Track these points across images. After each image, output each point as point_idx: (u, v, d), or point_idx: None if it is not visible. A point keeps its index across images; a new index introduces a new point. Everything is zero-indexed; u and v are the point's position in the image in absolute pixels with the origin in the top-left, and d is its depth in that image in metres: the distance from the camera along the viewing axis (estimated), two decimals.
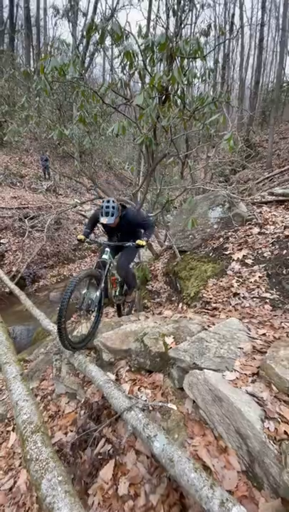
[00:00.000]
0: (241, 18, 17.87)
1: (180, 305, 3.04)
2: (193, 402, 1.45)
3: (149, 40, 3.00)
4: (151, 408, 1.56)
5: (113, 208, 2.42)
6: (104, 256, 2.54)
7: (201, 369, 1.47)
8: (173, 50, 2.86)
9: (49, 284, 7.34)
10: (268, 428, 1.07)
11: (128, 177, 16.54)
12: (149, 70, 3.68)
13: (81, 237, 2.63)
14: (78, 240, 2.63)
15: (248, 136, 16.92)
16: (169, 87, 3.12)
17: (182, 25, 3.82)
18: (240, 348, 1.63)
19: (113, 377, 1.90)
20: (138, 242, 2.49)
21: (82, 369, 1.97)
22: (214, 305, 2.48)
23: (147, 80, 3.24)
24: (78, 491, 1.48)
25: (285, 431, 1.04)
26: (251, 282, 2.55)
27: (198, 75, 3.41)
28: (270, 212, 3.52)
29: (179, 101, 3.27)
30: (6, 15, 17.18)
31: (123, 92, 3.36)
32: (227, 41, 18.09)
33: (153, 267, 4.48)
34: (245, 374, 1.42)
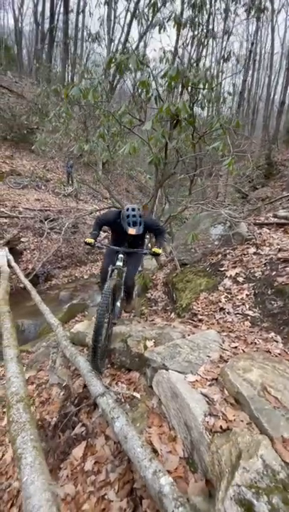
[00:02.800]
0: (272, 43, 18.07)
1: (172, 314, 3.23)
2: (159, 399, 1.65)
3: (166, 69, 3.29)
4: (123, 400, 1.78)
5: (140, 216, 2.26)
6: (119, 263, 2.36)
7: (168, 370, 1.67)
8: (184, 81, 3.16)
9: (60, 284, 7.74)
10: (208, 422, 1.25)
11: (149, 187, 17.03)
12: (166, 95, 4.01)
13: (90, 240, 2.38)
14: (87, 243, 2.37)
15: (270, 154, 16.86)
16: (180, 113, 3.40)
17: (199, 57, 4.12)
18: (208, 356, 1.81)
19: None
20: (155, 250, 2.35)
21: (73, 359, 2.22)
22: (200, 317, 2.65)
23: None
24: (52, 464, 1.71)
25: (220, 426, 1.22)
26: (238, 299, 2.71)
27: (212, 100, 3.64)
28: (269, 234, 3.65)
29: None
30: (46, 26, 18.65)
31: (138, 115, 3.70)
32: (252, 63, 18.36)
33: (155, 276, 4.70)
34: (206, 378, 1.60)
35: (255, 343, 2.03)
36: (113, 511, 1.28)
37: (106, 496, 1.36)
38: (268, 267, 2.95)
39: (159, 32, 3.34)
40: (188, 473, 1.21)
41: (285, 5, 17.87)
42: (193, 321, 2.61)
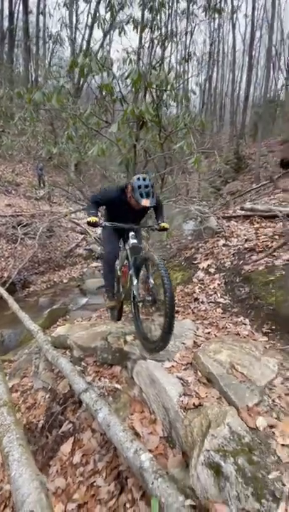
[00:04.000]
0: (234, 40, 18.75)
1: (152, 309, 3.35)
2: (140, 388, 1.75)
3: (129, 71, 3.36)
4: (106, 394, 1.86)
5: (152, 186, 2.03)
6: (134, 240, 2.16)
7: (146, 360, 1.78)
8: (146, 84, 3.26)
9: (39, 290, 7.59)
10: (182, 401, 1.38)
11: None
12: (131, 97, 4.09)
13: (94, 218, 2.05)
14: (90, 223, 2.05)
15: (238, 149, 17.57)
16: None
17: (162, 58, 4.25)
18: (183, 343, 1.95)
19: (80, 370, 2.20)
20: (163, 225, 2.20)
21: (55, 362, 2.25)
22: (177, 308, 2.79)
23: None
24: (41, 462, 1.76)
25: (193, 403, 1.36)
26: (210, 289, 2.88)
27: (178, 100, 3.76)
28: (236, 226, 3.89)
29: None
30: (6, 24, 17.84)
31: (105, 117, 3.76)
32: (216, 61, 18.94)
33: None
34: (181, 363, 1.73)
35: (226, 327, 2.21)
36: (102, 495, 1.37)
37: (95, 483, 1.45)
38: (236, 257, 3.17)
39: (119, 35, 3.41)
40: (168, 450, 1.33)
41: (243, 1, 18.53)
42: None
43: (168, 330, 1.59)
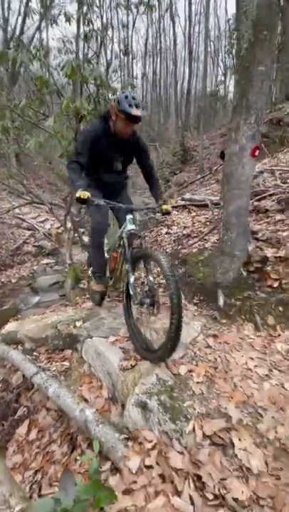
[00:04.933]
0: (174, 33, 19.18)
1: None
2: (89, 364, 1.95)
3: (63, 64, 3.34)
4: (58, 375, 2.01)
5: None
6: (132, 226, 1.95)
7: (92, 338, 1.98)
8: (82, 78, 3.31)
9: None
10: (122, 365, 1.63)
11: None
12: (69, 90, 4.05)
13: (85, 194, 1.64)
14: (80, 199, 1.65)
15: (184, 140, 18.41)
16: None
17: (98, 52, 4.28)
18: None
19: (32, 359, 2.29)
20: (165, 207, 1.95)
21: (5, 355, 2.30)
22: None
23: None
24: None
25: (131, 364, 1.61)
26: (155, 273, 3.18)
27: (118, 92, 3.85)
28: (177, 215, 4.27)
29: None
30: None
31: (42, 109, 3.69)
32: (159, 53, 19.27)
33: (86, 268, 4.89)
34: (124, 336, 1.97)
35: (165, 303, 2.52)
36: (57, 457, 1.55)
37: (50, 450, 1.62)
38: (176, 243, 3.53)
39: (51, 26, 3.35)
40: (112, 406, 1.57)
41: None
42: (120, 297, 2.98)
43: (175, 336, 1.37)
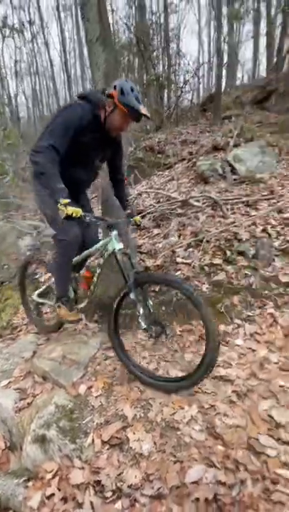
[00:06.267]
0: (49, 56, 19.34)
1: None
2: None
3: None
4: None
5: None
6: (118, 245, 1.59)
7: None
8: None
9: None
10: (17, 406, 1.55)
11: None
12: None
13: (77, 210, 1.29)
14: (68, 217, 1.28)
15: None
16: None
17: None
18: (22, 357, 2.07)
19: None
20: (137, 219, 1.80)
21: None
22: (20, 328, 2.82)
23: None
24: None
25: (28, 402, 1.55)
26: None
27: None
28: None
29: None
30: None
31: None
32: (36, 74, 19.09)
33: None
34: (20, 376, 1.86)
35: (66, 328, 2.52)
36: None
37: None
38: None
39: None
40: (10, 456, 1.46)
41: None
42: (13, 334, 2.74)
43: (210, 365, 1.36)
